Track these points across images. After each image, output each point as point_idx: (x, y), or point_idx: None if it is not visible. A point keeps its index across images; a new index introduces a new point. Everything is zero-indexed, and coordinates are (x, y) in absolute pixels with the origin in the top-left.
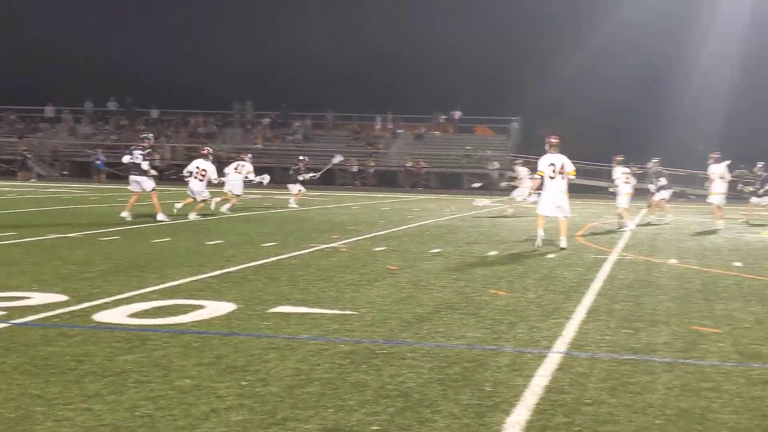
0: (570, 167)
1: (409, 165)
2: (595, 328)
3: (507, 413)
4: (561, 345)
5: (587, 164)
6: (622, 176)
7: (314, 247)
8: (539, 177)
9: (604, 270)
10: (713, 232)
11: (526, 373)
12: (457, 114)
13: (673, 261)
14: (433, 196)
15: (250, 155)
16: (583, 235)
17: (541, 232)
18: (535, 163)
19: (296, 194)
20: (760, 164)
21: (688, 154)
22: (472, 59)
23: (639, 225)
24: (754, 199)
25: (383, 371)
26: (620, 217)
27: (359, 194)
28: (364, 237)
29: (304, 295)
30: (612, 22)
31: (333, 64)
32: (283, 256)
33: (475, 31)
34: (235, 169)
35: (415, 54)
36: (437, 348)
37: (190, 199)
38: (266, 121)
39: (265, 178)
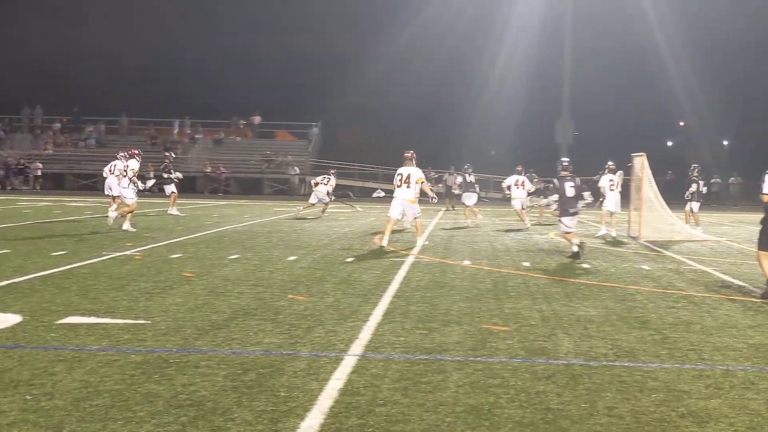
0: (417, 176)
1: (208, 170)
2: (391, 329)
3: (301, 418)
4: (357, 348)
5: (390, 169)
6: (608, 183)
7: (107, 255)
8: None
9: (401, 272)
10: (510, 232)
11: (321, 376)
12: (257, 119)
13: (466, 262)
14: (233, 202)
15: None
16: (381, 239)
17: (385, 239)
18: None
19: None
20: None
21: (483, 160)
22: (273, 64)
23: (452, 228)
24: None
25: (176, 380)
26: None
27: (157, 200)
28: (160, 244)
29: (95, 305)
30: (412, 30)
31: (127, 66)
32: (74, 265)
33: (276, 35)
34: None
35: (215, 57)
36: (233, 355)
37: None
38: (57, 125)
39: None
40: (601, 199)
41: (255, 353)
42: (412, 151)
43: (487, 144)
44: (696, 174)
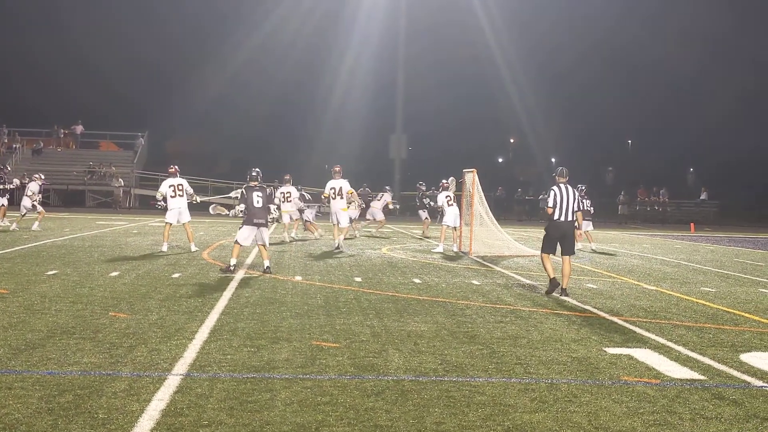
0: (347, 188)
1: (26, 182)
2: (218, 347)
3: None
4: (182, 367)
5: (218, 182)
6: (445, 199)
7: None
8: (325, 198)
9: (230, 289)
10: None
11: (143, 397)
12: (80, 128)
13: (298, 278)
14: (53, 215)
15: None
16: (210, 254)
17: (339, 240)
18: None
19: None
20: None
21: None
22: (99, 71)
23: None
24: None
25: None
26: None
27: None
28: None
29: None
30: (250, 42)
31: None
32: None
33: (105, 40)
34: None
35: (35, 62)
36: (49, 376)
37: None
38: None
39: None
40: (440, 215)
41: (72, 374)
42: (340, 166)
43: (325, 157)
44: (582, 194)
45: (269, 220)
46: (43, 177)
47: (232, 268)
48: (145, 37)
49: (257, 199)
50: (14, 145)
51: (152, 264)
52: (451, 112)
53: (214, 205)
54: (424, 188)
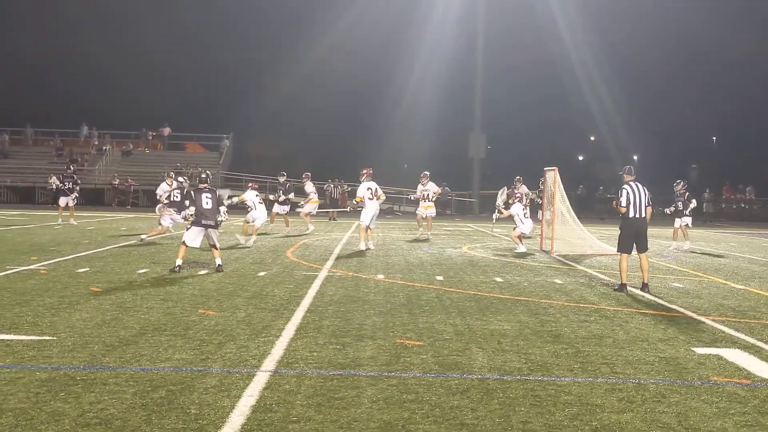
0: (380, 191)
1: (116, 182)
2: (304, 344)
3: None
4: (270, 363)
5: (298, 181)
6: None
7: (10, 269)
8: (358, 201)
9: (314, 287)
10: (424, 245)
11: (233, 393)
12: (167, 130)
13: (380, 276)
14: (141, 215)
15: None
16: (294, 252)
17: (364, 243)
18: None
19: None
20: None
21: (395, 173)
22: (182, 74)
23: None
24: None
25: (83, 398)
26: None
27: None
28: (66, 258)
29: None
30: (325, 43)
31: (30, 74)
32: None
33: (186, 46)
34: None
35: (123, 67)
36: (142, 372)
37: None
38: None
39: None
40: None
41: (164, 370)
42: (369, 168)
43: (401, 157)
44: (682, 190)
45: (218, 221)
46: (173, 176)
47: (177, 269)
48: (220, 41)
49: (206, 201)
50: (104, 147)
51: (239, 263)
52: (530, 111)
53: (160, 205)
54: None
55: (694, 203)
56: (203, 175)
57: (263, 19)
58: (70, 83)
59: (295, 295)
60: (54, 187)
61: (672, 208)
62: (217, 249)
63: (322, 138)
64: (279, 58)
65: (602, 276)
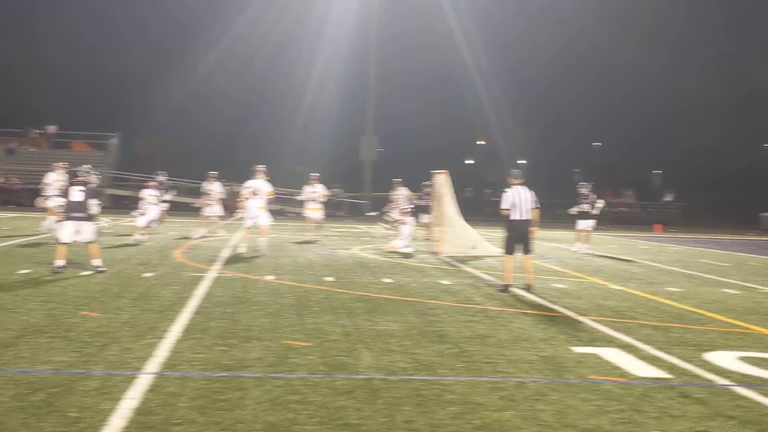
0: (268, 189)
1: (0, 181)
2: (189, 346)
3: None
4: (153, 365)
5: (189, 182)
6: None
7: None
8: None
9: (202, 288)
10: (313, 247)
11: (114, 396)
12: (53, 128)
13: (269, 277)
14: (26, 214)
15: None
16: (183, 253)
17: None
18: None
19: None
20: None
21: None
22: (69, 70)
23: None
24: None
25: None
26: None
27: None
28: None
29: None
30: (222, 42)
31: None
32: None
33: (74, 41)
34: None
35: (7, 63)
36: (21, 374)
37: None
38: None
39: None
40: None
41: (44, 372)
42: (263, 165)
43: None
44: (588, 191)
45: (89, 214)
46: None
47: (58, 270)
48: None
49: (77, 194)
50: None
51: (124, 263)
52: (420, 114)
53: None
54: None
55: (601, 203)
56: (78, 169)
57: (155, 18)
58: None
59: (181, 296)
60: None
61: (576, 209)
62: (94, 245)
63: (216, 140)
64: (171, 56)
65: (488, 277)
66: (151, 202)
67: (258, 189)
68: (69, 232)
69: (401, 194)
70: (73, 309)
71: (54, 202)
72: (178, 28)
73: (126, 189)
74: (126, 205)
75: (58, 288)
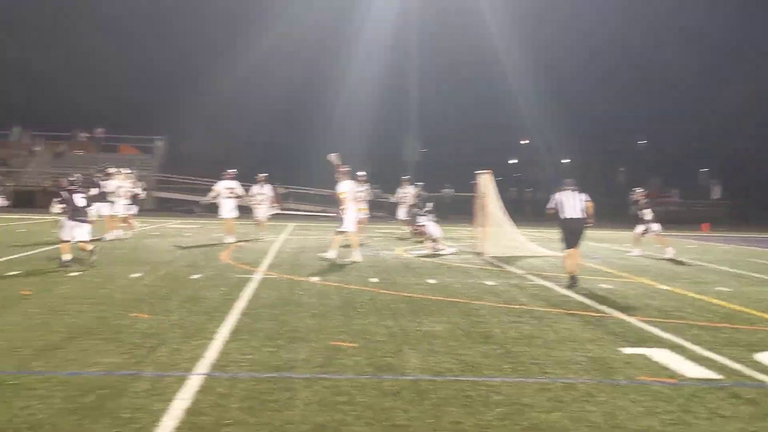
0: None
1: (48, 184)
2: (237, 347)
3: None
4: (203, 367)
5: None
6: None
7: None
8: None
9: (248, 289)
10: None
11: (166, 397)
12: (101, 131)
13: (314, 279)
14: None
15: None
16: (229, 255)
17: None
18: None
19: None
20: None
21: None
22: (115, 74)
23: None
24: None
25: (12, 404)
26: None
27: None
28: None
29: None
30: (261, 44)
31: None
32: None
33: (122, 42)
34: None
35: (53, 66)
36: (71, 376)
37: None
38: None
39: None
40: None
41: (95, 374)
42: (365, 172)
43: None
44: (642, 197)
45: (88, 218)
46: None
47: (64, 264)
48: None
49: (81, 201)
50: (35, 149)
51: (171, 265)
52: (463, 114)
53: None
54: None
55: (648, 212)
56: (72, 178)
57: (199, 19)
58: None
59: (228, 298)
60: None
61: (638, 213)
62: (84, 244)
63: (257, 141)
64: (215, 58)
65: (533, 277)
66: (260, 200)
67: (353, 192)
68: (71, 230)
69: (408, 193)
70: (122, 311)
71: (116, 209)
72: (226, 27)
73: (172, 191)
74: (169, 208)
75: (106, 290)
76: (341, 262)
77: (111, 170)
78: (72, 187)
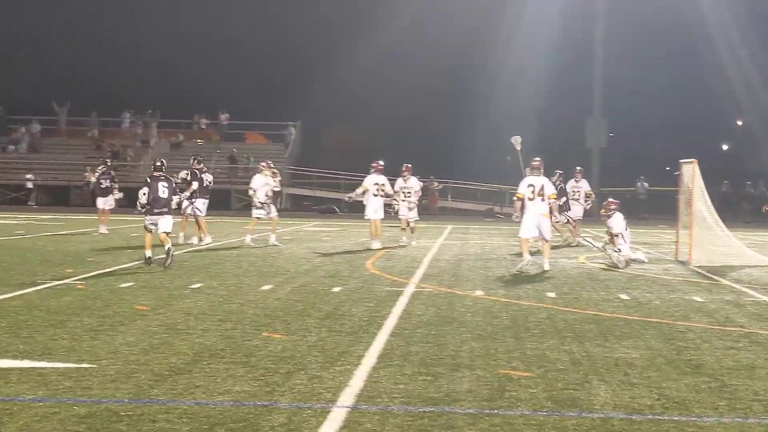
0: (551, 190)
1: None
2: (388, 375)
3: None
4: (347, 397)
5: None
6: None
7: (42, 284)
8: (518, 199)
9: (399, 305)
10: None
11: None
12: (225, 117)
13: (478, 293)
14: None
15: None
16: (375, 263)
17: (527, 256)
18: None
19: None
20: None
21: (495, 168)
22: (241, 55)
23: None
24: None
25: None
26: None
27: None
28: (107, 270)
29: (29, 346)
30: (407, 22)
31: (64, 57)
32: (1, 297)
33: (245, 18)
34: None
35: (172, 48)
36: (197, 406)
37: None
38: None
39: None
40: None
41: (224, 404)
42: (539, 159)
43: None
44: None
45: (171, 208)
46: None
47: (149, 261)
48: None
49: (162, 190)
50: (150, 139)
51: (309, 276)
52: (658, 90)
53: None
54: None
55: None
56: (158, 163)
57: None
58: (107, 68)
59: (376, 315)
60: (90, 184)
61: None
62: (167, 236)
63: (409, 126)
64: (357, 29)
65: (753, 293)
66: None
67: (542, 188)
68: (153, 224)
69: (582, 188)
70: (253, 330)
71: (260, 211)
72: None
73: (305, 188)
74: (307, 207)
75: (234, 305)
76: (520, 272)
77: (262, 164)
78: (157, 174)
